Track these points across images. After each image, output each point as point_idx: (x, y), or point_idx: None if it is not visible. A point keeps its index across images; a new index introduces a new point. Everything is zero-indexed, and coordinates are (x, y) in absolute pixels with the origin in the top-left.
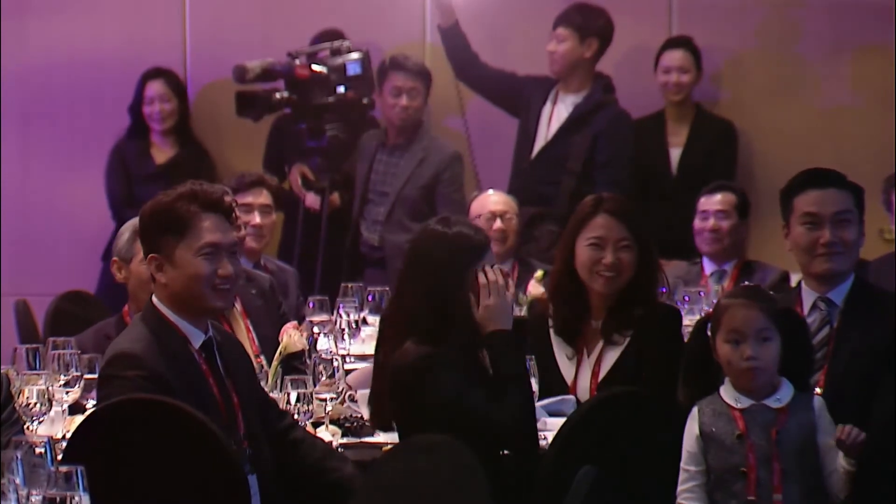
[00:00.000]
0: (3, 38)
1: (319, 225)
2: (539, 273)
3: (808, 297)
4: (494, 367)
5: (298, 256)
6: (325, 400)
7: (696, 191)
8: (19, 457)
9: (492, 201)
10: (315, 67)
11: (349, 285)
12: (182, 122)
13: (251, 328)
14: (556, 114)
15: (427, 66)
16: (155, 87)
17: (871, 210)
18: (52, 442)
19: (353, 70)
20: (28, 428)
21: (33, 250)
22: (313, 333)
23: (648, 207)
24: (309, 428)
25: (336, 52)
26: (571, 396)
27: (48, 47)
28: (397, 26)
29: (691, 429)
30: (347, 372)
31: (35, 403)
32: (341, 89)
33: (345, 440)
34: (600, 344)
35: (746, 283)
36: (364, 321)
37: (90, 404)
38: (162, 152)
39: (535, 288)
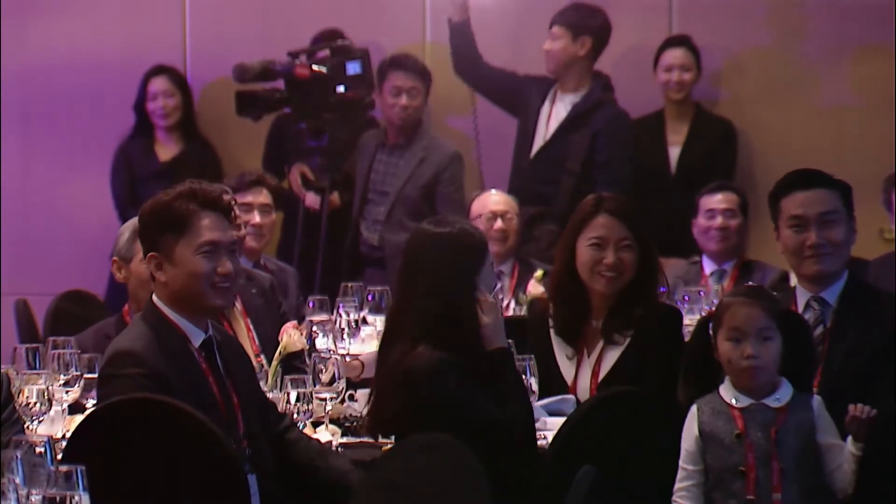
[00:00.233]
0: (3, 37)
1: (319, 224)
2: (539, 272)
3: (802, 296)
4: (497, 383)
5: (298, 256)
6: (324, 399)
7: (695, 190)
8: (19, 456)
9: (492, 201)
10: (315, 67)
11: (349, 285)
12: (186, 118)
13: (251, 327)
14: (555, 113)
15: (427, 65)
16: (158, 83)
17: (871, 210)
18: (51, 441)
19: (353, 70)
20: (28, 427)
21: (33, 250)
22: (313, 333)
23: (647, 206)
24: (309, 427)
25: (336, 52)
26: (571, 396)
27: (48, 47)
28: (397, 26)
29: (690, 428)
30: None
31: (35, 403)
32: (341, 89)
33: (344, 439)
34: (600, 344)
35: (750, 283)
36: (364, 321)
37: (90, 404)
38: (166, 149)
39: (535, 287)
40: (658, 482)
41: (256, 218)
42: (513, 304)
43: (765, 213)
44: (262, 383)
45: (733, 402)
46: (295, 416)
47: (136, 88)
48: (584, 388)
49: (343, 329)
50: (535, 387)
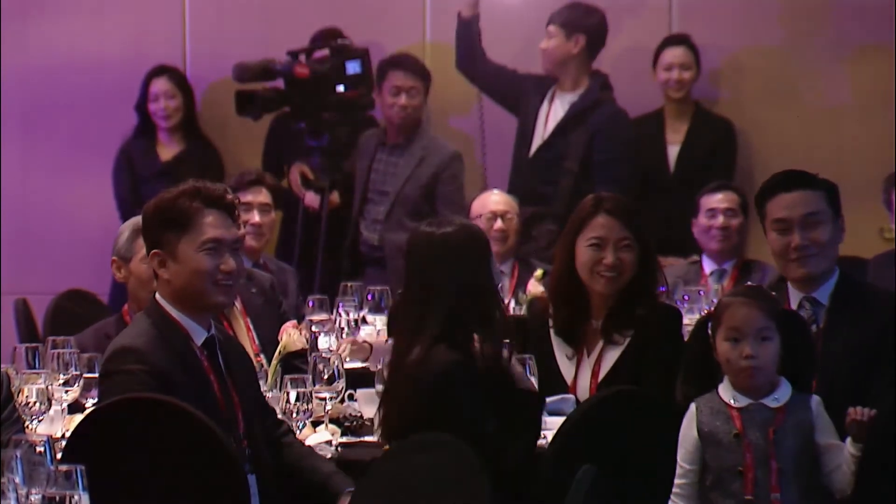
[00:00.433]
0: (3, 38)
1: (319, 224)
2: (539, 272)
3: (794, 297)
4: (508, 390)
5: (298, 255)
6: (324, 399)
7: (693, 189)
8: (19, 456)
9: (493, 201)
10: (315, 66)
11: (349, 284)
12: (188, 119)
13: (251, 327)
14: (553, 112)
15: (427, 65)
16: (159, 85)
17: (871, 209)
18: (51, 441)
19: (353, 69)
20: (27, 427)
21: (33, 249)
22: (313, 332)
23: (646, 205)
24: (309, 427)
25: (336, 52)
26: (571, 396)
27: (48, 48)
28: (397, 26)
29: (689, 427)
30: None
31: (34, 402)
32: (341, 88)
33: (344, 439)
34: (600, 344)
35: (749, 283)
36: (364, 320)
37: (89, 403)
38: (168, 150)
39: (535, 287)
40: (658, 482)
41: (256, 217)
42: (513, 304)
43: None
44: (261, 383)
45: (732, 401)
46: (295, 415)
47: (136, 88)
48: (584, 388)
49: (343, 328)
50: (535, 386)
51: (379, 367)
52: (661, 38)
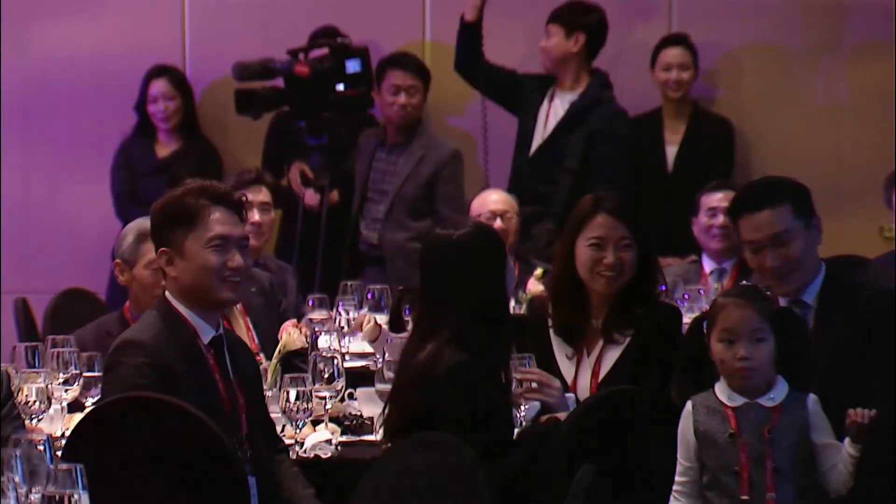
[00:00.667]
0: (3, 38)
1: (319, 223)
2: (539, 271)
3: (782, 300)
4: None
5: (298, 254)
6: (324, 398)
7: (692, 188)
8: (19, 454)
9: (492, 200)
10: (314, 65)
11: (348, 283)
12: (188, 119)
13: (251, 326)
14: (553, 112)
15: (427, 64)
16: (158, 86)
17: (872, 209)
18: (51, 440)
19: (353, 68)
20: (32, 424)
21: (33, 248)
22: (314, 331)
23: (644, 205)
24: (308, 426)
25: (335, 50)
26: (571, 395)
27: (48, 47)
28: (397, 24)
29: (686, 425)
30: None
31: (34, 401)
32: (341, 87)
33: (344, 438)
34: (600, 343)
35: (744, 282)
36: None
37: (89, 402)
38: (166, 148)
39: (535, 286)
40: (658, 481)
41: (255, 216)
42: (513, 303)
43: None
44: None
45: (727, 401)
46: (294, 414)
47: (136, 87)
48: (584, 388)
49: (342, 327)
50: (535, 386)
51: (379, 366)
52: (661, 36)
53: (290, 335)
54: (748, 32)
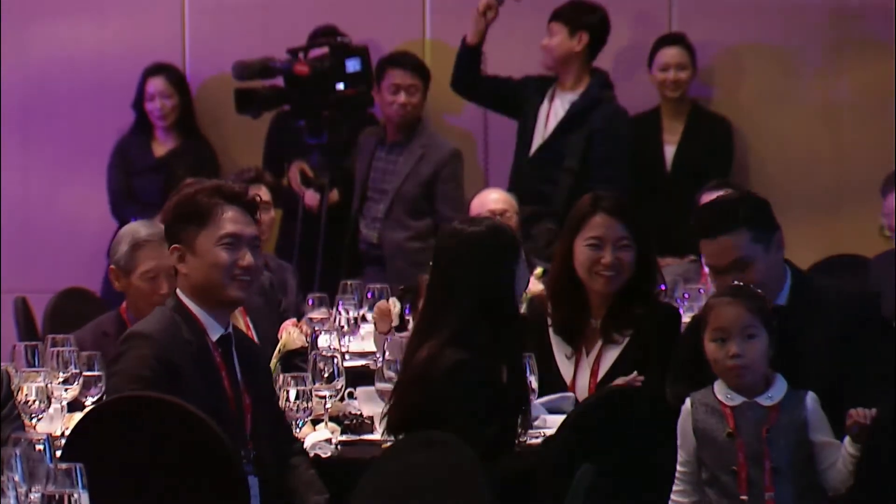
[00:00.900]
0: (3, 38)
1: (318, 222)
2: (538, 270)
3: None
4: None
5: (297, 254)
6: (324, 397)
7: (690, 188)
8: (18, 454)
9: (492, 199)
10: (314, 64)
11: (348, 282)
12: (185, 118)
13: (251, 325)
14: (554, 112)
15: (427, 63)
16: (155, 84)
17: (872, 209)
18: (50, 439)
19: (353, 67)
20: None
21: (33, 247)
22: (314, 330)
23: (642, 205)
24: (308, 425)
25: (335, 49)
26: (571, 394)
27: (48, 45)
28: (397, 23)
29: (685, 424)
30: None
31: (34, 401)
32: (340, 86)
33: (344, 437)
34: (599, 343)
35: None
36: (363, 318)
37: (89, 401)
38: (163, 146)
39: (535, 285)
40: (658, 481)
41: None
42: None
43: None
44: None
45: (725, 399)
46: (294, 413)
47: (136, 87)
48: (583, 388)
49: (342, 326)
50: (535, 385)
51: (379, 364)
52: (661, 35)
53: (290, 334)
54: (748, 32)
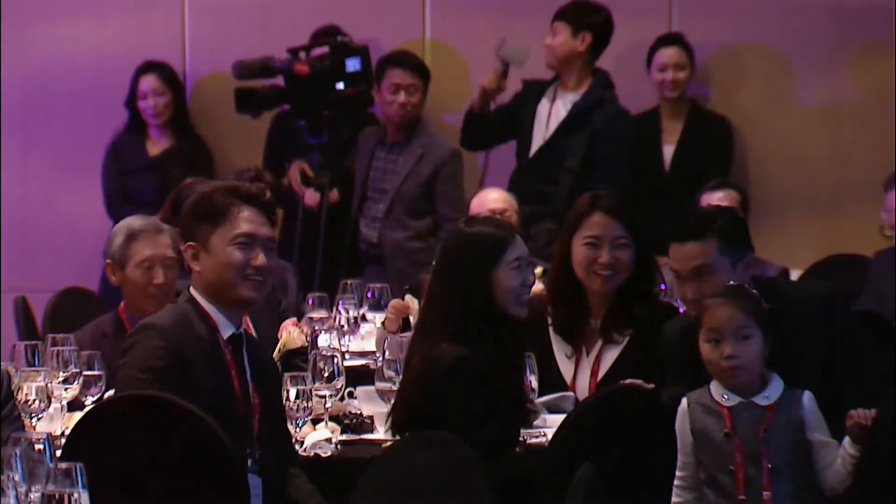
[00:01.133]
0: (3, 38)
1: (319, 221)
2: (539, 269)
3: None
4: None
5: (298, 253)
6: (324, 396)
7: (690, 187)
8: (18, 453)
9: (491, 199)
10: (314, 64)
11: (348, 282)
12: (178, 116)
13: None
14: (555, 112)
15: (427, 62)
16: (148, 82)
17: (872, 209)
18: (50, 439)
19: (353, 66)
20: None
21: (33, 247)
22: (314, 330)
23: (641, 204)
24: (308, 425)
25: (335, 49)
26: (571, 393)
27: (48, 44)
28: (397, 23)
29: (683, 423)
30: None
31: (34, 400)
32: (340, 86)
33: (344, 437)
34: (599, 343)
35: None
36: (363, 318)
37: (89, 401)
38: (157, 145)
39: (535, 285)
40: (658, 481)
41: None
42: None
43: (763, 211)
44: None
45: (722, 400)
46: (294, 413)
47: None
48: (583, 388)
49: (342, 326)
50: (535, 384)
51: (379, 364)
52: (659, 36)
53: (290, 334)
54: (748, 32)
